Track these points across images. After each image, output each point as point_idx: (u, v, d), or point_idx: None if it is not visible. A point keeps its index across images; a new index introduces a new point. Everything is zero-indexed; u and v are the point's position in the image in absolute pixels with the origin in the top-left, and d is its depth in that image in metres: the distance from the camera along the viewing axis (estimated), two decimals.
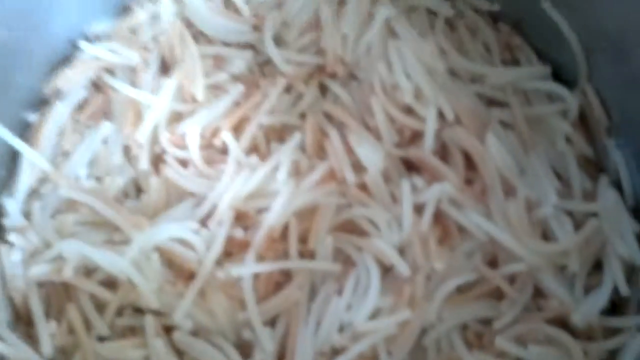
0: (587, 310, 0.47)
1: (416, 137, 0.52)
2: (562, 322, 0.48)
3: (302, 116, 0.54)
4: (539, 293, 0.49)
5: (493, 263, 0.50)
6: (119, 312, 0.48)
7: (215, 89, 0.54)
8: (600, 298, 0.48)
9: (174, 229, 0.48)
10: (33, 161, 0.51)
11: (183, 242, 0.49)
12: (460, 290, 0.49)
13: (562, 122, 0.53)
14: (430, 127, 0.51)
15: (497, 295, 0.49)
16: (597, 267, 0.49)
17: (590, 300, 0.48)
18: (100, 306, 0.48)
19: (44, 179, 0.52)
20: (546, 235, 0.50)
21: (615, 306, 0.49)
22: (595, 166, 0.53)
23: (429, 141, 0.51)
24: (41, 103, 0.54)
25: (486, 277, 0.49)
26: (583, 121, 0.54)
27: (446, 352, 0.48)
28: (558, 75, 0.55)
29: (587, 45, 0.52)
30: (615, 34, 0.49)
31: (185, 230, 0.48)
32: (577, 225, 0.50)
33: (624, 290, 0.48)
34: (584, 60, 0.53)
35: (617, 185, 0.51)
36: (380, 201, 0.50)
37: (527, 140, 0.52)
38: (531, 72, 0.55)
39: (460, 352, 0.47)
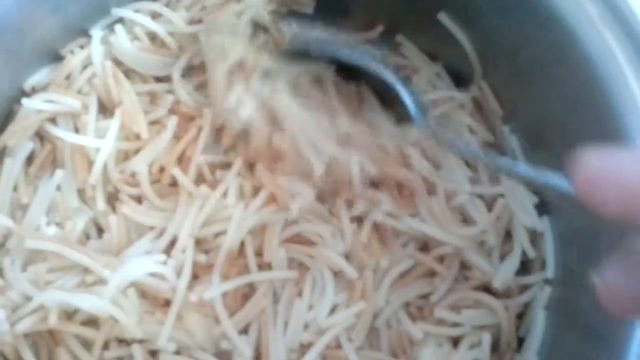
0: (504, 275, 0.56)
1: None
2: (485, 287, 0.56)
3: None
4: (464, 266, 0.57)
5: (424, 247, 0.56)
6: (105, 346, 0.51)
7: (154, 124, 0.56)
8: (513, 263, 0.56)
9: (144, 264, 0.51)
10: None
11: (154, 274, 0.52)
12: (401, 275, 0.55)
13: (463, 116, 0.60)
14: (355, 178, 0.54)
15: (431, 273, 0.56)
16: (507, 235, 0.58)
17: (505, 266, 0.56)
18: (86, 344, 0.51)
19: (7, 235, 0.53)
20: (465, 217, 0.57)
21: (524, 265, 0.57)
22: (495, 150, 0.60)
23: (357, 188, 0.55)
24: None
25: (420, 261, 0.56)
26: (481, 112, 0.61)
27: (395, 327, 0.55)
28: (457, 73, 0.62)
29: (481, 50, 0.59)
30: (506, 41, 0.56)
31: (154, 264, 0.52)
32: (487, 203, 0.58)
33: (531, 253, 0.57)
34: (478, 62, 0.59)
35: None
36: (321, 217, 0.55)
37: None
38: (427, 76, 0.62)
39: (406, 326, 0.54)
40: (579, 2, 0.49)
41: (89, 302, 0.50)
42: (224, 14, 0.56)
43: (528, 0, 0.51)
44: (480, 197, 0.58)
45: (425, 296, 0.56)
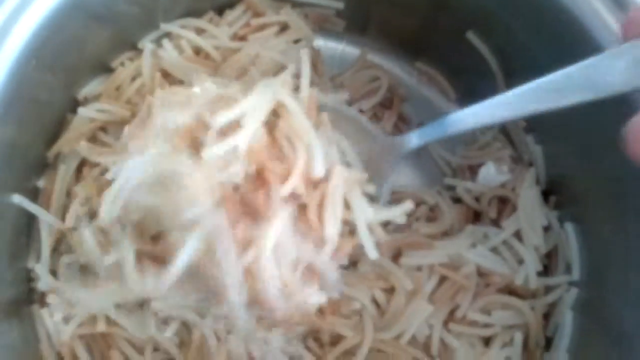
0: (524, 274, 0.57)
1: None
2: (510, 290, 0.58)
3: None
4: (480, 273, 0.58)
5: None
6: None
7: None
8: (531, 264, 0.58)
9: None
10: (51, 224, 0.53)
11: None
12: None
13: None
14: None
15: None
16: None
17: (523, 267, 0.58)
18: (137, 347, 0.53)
19: (60, 238, 0.54)
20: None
21: (548, 267, 0.60)
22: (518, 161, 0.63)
23: None
24: (46, 168, 0.56)
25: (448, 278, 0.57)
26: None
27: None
28: (480, 88, 0.63)
29: (506, 67, 0.61)
30: (528, 55, 0.58)
31: None
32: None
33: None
34: (502, 78, 0.61)
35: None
36: None
37: None
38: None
39: (443, 335, 0.55)
40: (607, 22, 0.51)
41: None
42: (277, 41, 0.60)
43: (557, 18, 0.53)
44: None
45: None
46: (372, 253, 0.48)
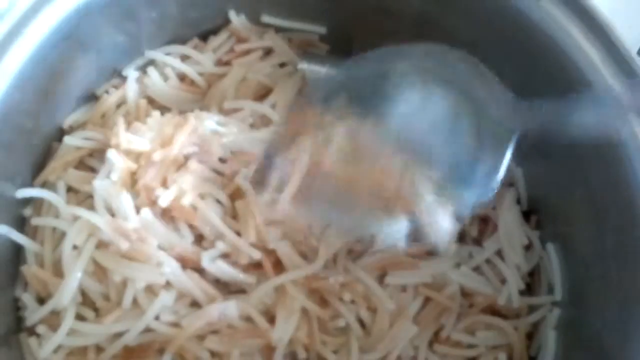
0: (507, 293, 0.58)
1: None
2: (493, 310, 0.59)
3: None
4: (463, 293, 0.58)
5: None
6: None
7: None
8: (512, 286, 0.59)
9: None
10: (37, 253, 0.53)
11: None
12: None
13: None
14: None
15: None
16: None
17: (506, 287, 0.58)
18: None
19: None
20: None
21: (531, 287, 0.61)
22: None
23: None
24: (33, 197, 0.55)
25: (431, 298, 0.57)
26: None
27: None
28: None
29: None
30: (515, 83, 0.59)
31: None
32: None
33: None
34: None
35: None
36: None
37: None
38: None
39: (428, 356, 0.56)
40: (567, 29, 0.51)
41: None
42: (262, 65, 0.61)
43: (547, 58, 0.53)
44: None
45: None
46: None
